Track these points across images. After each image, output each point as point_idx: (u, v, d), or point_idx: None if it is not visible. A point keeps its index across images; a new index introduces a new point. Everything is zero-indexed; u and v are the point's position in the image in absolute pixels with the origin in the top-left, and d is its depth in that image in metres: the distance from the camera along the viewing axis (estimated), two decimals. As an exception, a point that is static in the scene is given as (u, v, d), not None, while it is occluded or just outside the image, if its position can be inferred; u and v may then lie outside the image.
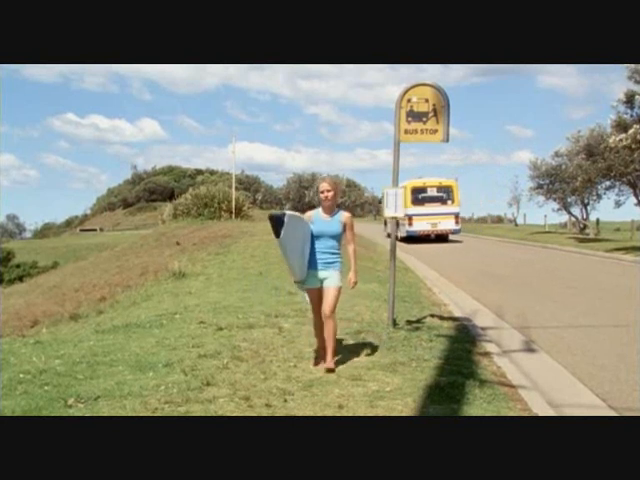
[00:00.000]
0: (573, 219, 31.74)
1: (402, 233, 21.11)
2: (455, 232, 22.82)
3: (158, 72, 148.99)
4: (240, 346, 5.34)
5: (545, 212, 47.89)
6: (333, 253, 4.84)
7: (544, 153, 43.44)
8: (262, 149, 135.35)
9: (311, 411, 3.79)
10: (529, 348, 6.11)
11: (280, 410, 3.78)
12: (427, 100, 6.28)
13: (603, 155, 20.21)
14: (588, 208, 28.92)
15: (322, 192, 4.84)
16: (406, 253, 16.67)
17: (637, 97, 17.52)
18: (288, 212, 4.64)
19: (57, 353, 5.25)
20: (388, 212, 6.44)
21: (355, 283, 4.97)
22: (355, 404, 3.93)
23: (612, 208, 22.83)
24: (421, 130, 6.30)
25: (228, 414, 3.69)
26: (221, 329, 6.03)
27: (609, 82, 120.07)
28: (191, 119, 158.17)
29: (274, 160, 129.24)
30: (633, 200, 21.28)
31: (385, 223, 27.15)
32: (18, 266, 34.55)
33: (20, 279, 28.76)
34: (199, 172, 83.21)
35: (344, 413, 3.76)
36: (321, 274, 4.82)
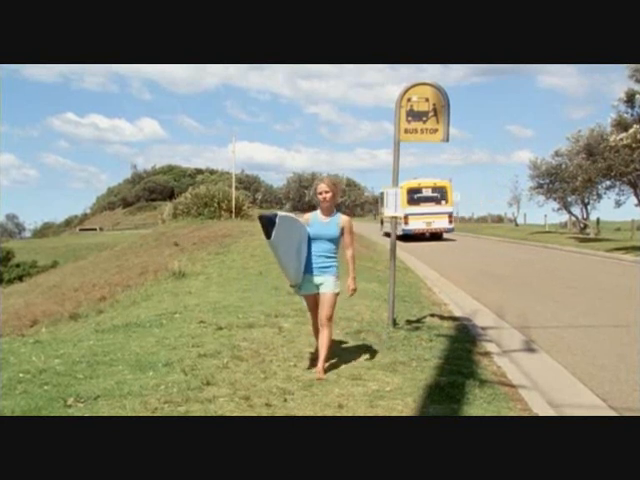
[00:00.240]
0: (573, 219, 31.73)
1: (398, 231, 21.30)
2: (448, 231, 23.62)
3: (158, 72, 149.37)
4: (240, 346, 5.33)
5: (545, 212, 47.99)
6: (329, 257, 4.67)
7: (544, 153, 43.39)
8: (262, 149, 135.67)
9: (311, 411, 3.78)
10: (529, 348, 6.11)
11: (280, 410, 3.78)
12: (427, 99, 6.26)
13: (603, 155, 20.24)
14: (588, 208, 28.93)
15: (320, 193, 4.73)
16: (407, 253, 16.68)
17: (638, 96, 17.53)
18: (280, 213, 4.51)
19: (57, 353, 5.24)
20: (388, 211, 6.44)
21: (354, 290, 4.82)
22: (355, 404, 3.92)
23: (612, 208, 23.03)
24: (421, 130, 6.29)
25: (228, 414, 3.68)
26: (221, 329, 6.02)
27: (609, 82, 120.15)
28: (191, 119, 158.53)
29: (274, 160, 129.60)
30: (633, 200, 21.33)
31: (381, 222, 27.32)
32: (18, 266, 34.55)
33: (20, 279, 28.72)
34: (199, 171, 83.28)
35: (344, 413, 3.76)
36: (317, 279, 4.66)
